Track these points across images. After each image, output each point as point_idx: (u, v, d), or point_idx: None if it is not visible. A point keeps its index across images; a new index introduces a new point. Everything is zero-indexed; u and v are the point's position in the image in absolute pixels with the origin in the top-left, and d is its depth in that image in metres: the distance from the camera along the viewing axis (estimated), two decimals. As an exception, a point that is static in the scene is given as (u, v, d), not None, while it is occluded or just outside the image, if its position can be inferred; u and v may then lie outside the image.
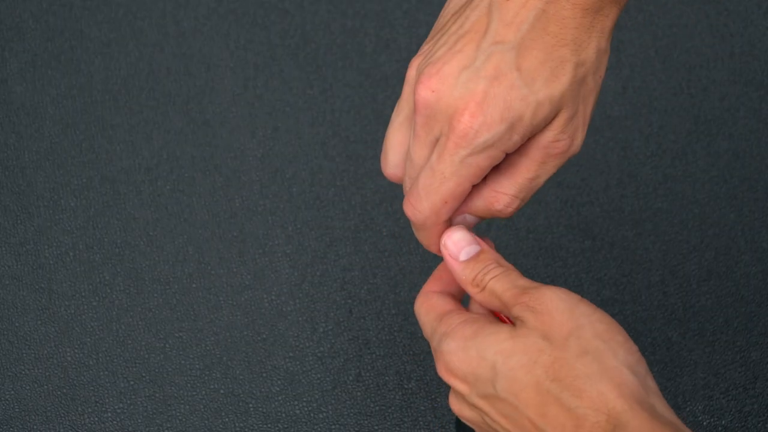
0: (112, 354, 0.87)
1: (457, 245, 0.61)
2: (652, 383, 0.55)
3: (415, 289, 0.88)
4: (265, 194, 0.92)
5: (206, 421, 0.84)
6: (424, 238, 0.62)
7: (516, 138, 0.57)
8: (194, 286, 0.89)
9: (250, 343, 0.87)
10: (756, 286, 0.89)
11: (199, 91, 0.96)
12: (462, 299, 0.64)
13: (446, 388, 0.85)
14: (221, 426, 0.84)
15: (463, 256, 0.61)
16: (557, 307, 0.56)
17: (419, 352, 0.86)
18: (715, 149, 0.93)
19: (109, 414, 0.85)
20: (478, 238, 0.61)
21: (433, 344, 0.61)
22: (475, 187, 0.60)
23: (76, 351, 0.87)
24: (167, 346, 0.87)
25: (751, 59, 0.97)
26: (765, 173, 0.92)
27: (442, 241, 0.61)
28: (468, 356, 0.58)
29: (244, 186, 0.92)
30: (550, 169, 0.59)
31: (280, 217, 0.91)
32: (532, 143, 0.58)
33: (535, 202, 0.92)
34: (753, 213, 0.91)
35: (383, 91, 0.96)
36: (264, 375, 0.86)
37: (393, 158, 0.62)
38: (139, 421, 0.84)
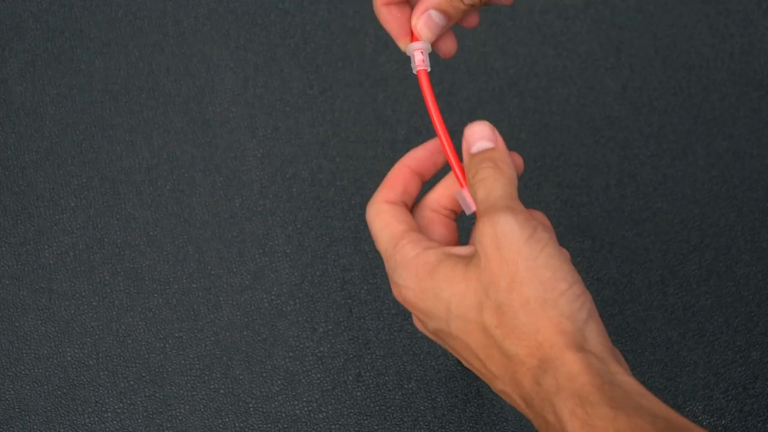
0: (112, 354, 0.87)
1: (473, 136, 0.62)
2: (593, 325, 0.56)
3: (415, 289, 0.88)
4: (265, 194, 0.92)
5: (206, 421, 0.84)
6: (385, 23, 0.63)
7: None
8: (194, 285, 0.89)
9: (250, 343, 0.87)
10: (756, 286, 0.89)
11: (199, 91, 0.96)
12: (412, 206, 0.65)
13: (446, 389, 0.85)
14: (221, 426, 0.84)
15: (474, 149, 0.62)
16: (507, 245, 0.56)
17: (419, 352, 0.86)
18: (715, 149, 0.93)
19: (109, 414, 0.85)
20: (496, 135, 0.62)
21: (387, 268, 0.62)
22: None
23: (76, 351, 0.87)
24: (167, 345, 0.87)
25: (751, 59, 0.97)
26: (765, 173, 0.92)
27: (465, 131, 0.62)
28: (424, 294, 0.59)
29: (244, 186, 0.92)
30: None
31: (280, 216, 0.91)
32: None
33: (535, 202, 0.92)
34: (753, 213, 0.91)
35: (383, 91, 0.96)
36: (264, 375, 0.86)
37: None
38: (139, 420, 0.84)
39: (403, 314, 0.88)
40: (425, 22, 0.63)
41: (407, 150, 0.93)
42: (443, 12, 0.62)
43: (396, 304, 0.88)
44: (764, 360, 0.86)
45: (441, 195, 0.64)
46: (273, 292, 0.89)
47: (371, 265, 0.89)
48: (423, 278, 0.59)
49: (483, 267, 0.57)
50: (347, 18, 0.98)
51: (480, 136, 0.61)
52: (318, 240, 0.90)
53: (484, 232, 0.57)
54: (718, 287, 0.88)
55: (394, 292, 0.62)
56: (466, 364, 0.60)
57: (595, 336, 0.56)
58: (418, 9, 0.63)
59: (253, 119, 0.95)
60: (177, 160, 0.93)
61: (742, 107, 0.95)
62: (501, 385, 0.57)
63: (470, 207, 0.63)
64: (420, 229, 0.63)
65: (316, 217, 0.91)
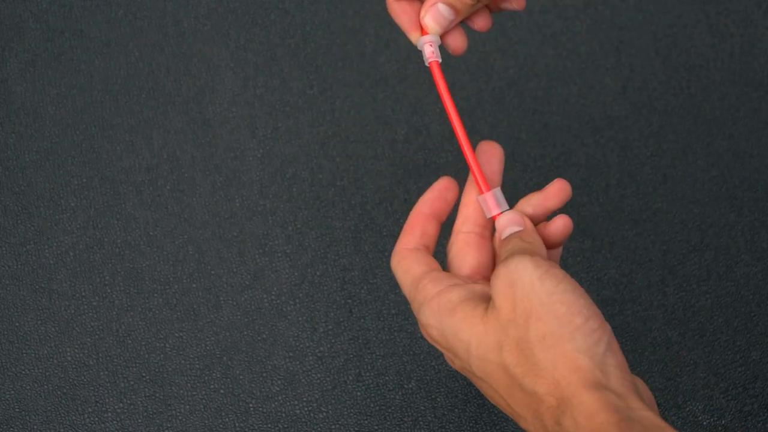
0: (112, 354, 0.87)
1: (503, 225, 0.63)
2: (611, 359, 0.56)
3: (415, 289, 0.88)
4: (265, 194, 0.92)
5: (206, 421, 0.84)
6: (397, 17, 0.64)
7: None
8: (194, 285, 0.89)
9: (251, 343, 0.87)
10: (756, 286, 0.89)
11: (199, 91, 0.96)
12: (434, 251, 0.66)
13: (446, 389, 0.85)
14: (221, 426, 0.84)
15: (504, 235, 0.63)
16: (520, 283, 0.57)
17: (419, 352, 0.86)
18: (715, 149, 0.93)
19: (110, 414, 0.85)
20: (526, 221, 0.63)
21: (413, 308, 0.63)
22: None
23: (76, 351, 0.87)
24: (167, 345, 0.87)
25: (751, 59, 0.97)
26: (765, 173, 0.92)
27: (496, 222, 0.64)
28: (445, 333, 0.60)
29: (244, 186, 0.92)
30: None
31: (280, 216, 0.91)
32: None
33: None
34: (753, 213, 0.91)
35: (383, 91, 0.96)
36: (264, 375, 0.86)
37: None
38: (139, 420, 0.84)
39: (403, 314, 0.88)
40: (433, 14, 0.63)
41: (407, 150, 0.94)
42: (451, 6, 0.63)
43: (396, 304, 0.88)
44: (764, 360, 0.86)
45: (467, 209, 0.66)
46: (273, 292, 0.89)
47: (371, 265, 0.89)
48: (444, 316, 0.60)
49: (500, 307, 0.57)
50: (347, 18, 0.98)
51: (509, 222, 0.62)
52: (318, 240, 0.90)
53: (497, 274, 0.58)
54: (718, 287, 0.88)
55: (423, 332, 0.63)
56: (494, 402, 0.60)
57: (614, 370, 0.56)
58: (427, 2, 0.63)
59: (253, 119, 0.95)
60: (177, 160, 0.93)
61: (742, 107, 0.95)
62: (525, 424, 0.57)
63: (490, 210, 0.64)
64: (451, 261, 0.65)
65: (316, 217, 0.91)
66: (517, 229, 0.62)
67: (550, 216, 0.65)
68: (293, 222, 0.91)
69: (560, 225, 0.63)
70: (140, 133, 0.94)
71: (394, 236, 0.90)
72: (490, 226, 0.65)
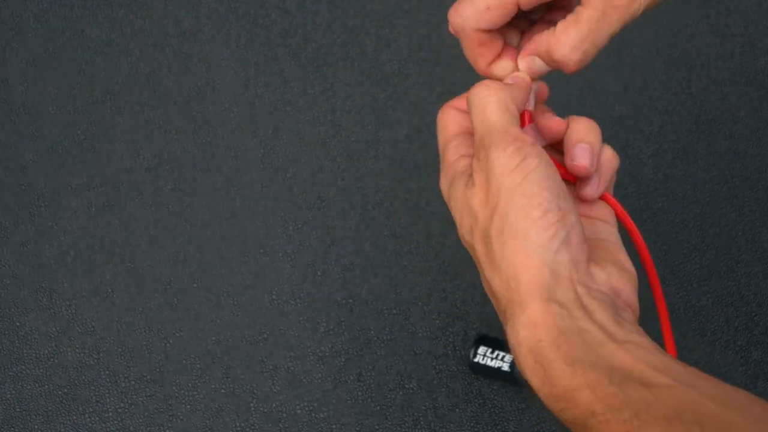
0: (113, 353, 0.87)
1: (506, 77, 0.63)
2: (564, 255, 0.54)
3: (416, 288, 0.88)
4: (265, 194, 0.92)
5: (207, 421, 0.84)
6: (468, 49, 0.63)
7: None
8: (195, 285, 0.89)
9: (251, 342, 0.87)
10: (757, 286, 0.89)
11: (200, 90, 0.96)
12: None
13: (447, 388, 0.85)
14: (222, 425, 0.84)
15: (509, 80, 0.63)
16: (494, 179, 0.56)
17: (420, 352, 0.86)
18: (716, 149, 0.93)
19: (110, 413, 0.85)
20: (527, 75, 0.62)
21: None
22: (544, 33, 0.61)
23: (77, 350, 0.87)
24: (168, 345, 0.87)
25: (751, 59, 0.97)
26: (765, 173, 0.92)
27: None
28: (449, 197, 0.60)
29: (245, 185, 0.92)
30: (613, 23, 0.61)
31: (281, 216, 0.91)
32: None
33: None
34: (753, 213, 0.91)
35: (384, 90, 0.96)
36: (265, 374, 0.86)
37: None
38: (140, 420, 0.84)
39: (404, 314, 0.88)
40: (527, 63, 0.63)
41: (408, 150, 0.94)
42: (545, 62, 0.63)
43: (397, 304, 0.88)
44: (765, 360, 0.86)
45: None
46: (274, 292, 0.89)
47: (372, 264, 0.89)
48: (447, 186, 0.60)
49: (474, 194, 0.57)
50: (348, 17, 0.98)
51: (511, 78, 0.63)
52: (319, 240, 0.90)
53: (478, 162, 0.57)
54: (719, 287, 0.88)
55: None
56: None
57: (565, 268, 0.54)
58: (525, 50, 0.63)
59: (254, 119, 0.95)
60: (178, 159, 0.93)
61: (742, 107, 0.95)
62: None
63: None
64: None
65: (317, 216, 0.91)
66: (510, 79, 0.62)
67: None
68: (294, 222, 0.91)
69: (607, 156, 0.63)
70: (141, 132, 0.94)
71: (395, 236, 0.90)
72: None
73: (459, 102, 0.64)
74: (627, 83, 0.96)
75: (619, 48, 0.97)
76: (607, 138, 0.94)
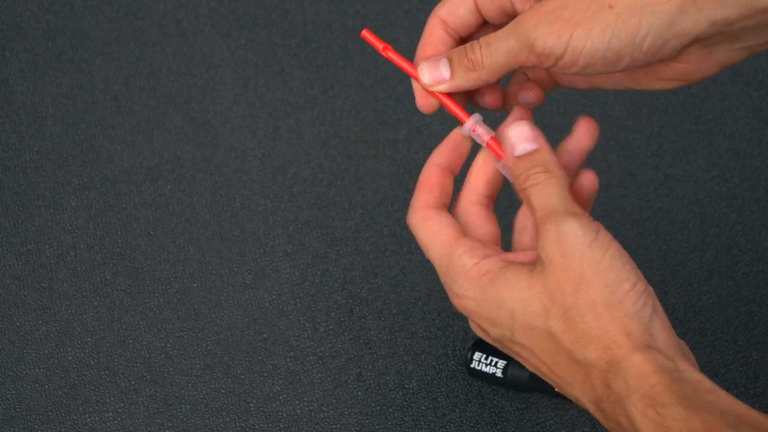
0: (113, 353, 0.87)
1: (517, 138, 0.61)
2: (658, 322, 0.56)
3: (416, 288, 0.88)
4: (266, 194, 0.92)
5: (207, 421, 0.84)
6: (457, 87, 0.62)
7: None
8: (195, 285, 0.89)
9: (251, 342, 0.87)
10: (757, 286, 0.89)
11: (200, 90, 0.96)
12: (449, 208, 0.64)
13: (447, 389, 0.85)
14: (222, 425, 0.84)
15: (518, 151, 0.61)
16: (571, 251, 0.56)
17: (420, 352, 0.86)
18: (716, 149, 0.93)
19: (110, 414, 0.85)
20: (540, 136, 0.61)
21: (444, 279, 0.61)
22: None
23: (77, 350, 0.87)
24: (168, 345, 0.87)
25: (751, 59, 0.97)
26: (765, 173, 0.92)
27: (504, 133, 0.61)
28: (486, 303, 0.59)
29: (245, 185, 0.92)
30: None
31: (281, 216, 0.91)
32: None
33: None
34: (753, 213, 0.91)
35: (384, 90, 0.96)
36: (265, 374, 0.86)
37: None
38: (140, 420, 0.84)
39: (404, 314, 0.88)
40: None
41: (409, 149, 0.93)
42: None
43: (397, 304, 0.88)
44: (765, 360, 0.86)
45: (477, 180, 0.63)
46: (274, 292, 0.89)
47: (372, 264, 0.89)
48: (485, 288, 0.59)
49: (548, 274, 0.56)
50: (348, 17, 0.98)
51: (523, 138, 0.61)
52: (319, 240, 0.90)
53: (548, 239, 0.57)
54: (719, 287, 0.88)
55: (455, 303, 0.61)
56: (532, 369, 0.60)
57: (661, 332, 0.56)
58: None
59: (254, 119, 0.95)
60: (178, 159, 0.93)
61: (742, 107, 0.95)
62: (570, 389, 0.57)
63: (483, 135, 0.62)
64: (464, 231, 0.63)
65: (317, 216, 0.91)
66: (532, 146, 0.60)
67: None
68: (294, 222, 0.91)
69: (587, 182, 0.62)
70: (141, 132, 0.94)
71: (396, 236, 0.90)
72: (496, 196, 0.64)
73: (427, 199, 0.62)
74: (627, 83, 0.96)
75: (619, 48, 0.97)
76: (606, 138, 0.94)
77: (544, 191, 0.58)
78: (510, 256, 0.60)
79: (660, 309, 0.57)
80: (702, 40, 0.57)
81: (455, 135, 0.64)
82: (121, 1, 0.99)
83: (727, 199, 0.91)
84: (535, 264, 0.58)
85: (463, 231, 0.61)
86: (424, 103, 0.64)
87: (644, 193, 0.92)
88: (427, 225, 0.62)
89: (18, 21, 0.98)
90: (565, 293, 0.56)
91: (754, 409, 0.53)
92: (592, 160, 0.93)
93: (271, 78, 0.96)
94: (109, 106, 0.95)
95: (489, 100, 0.64)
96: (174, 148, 0.94)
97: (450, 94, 0.63)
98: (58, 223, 0.91)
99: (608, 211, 0.91)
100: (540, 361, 0.58)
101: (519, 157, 0.60)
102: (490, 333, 0.60)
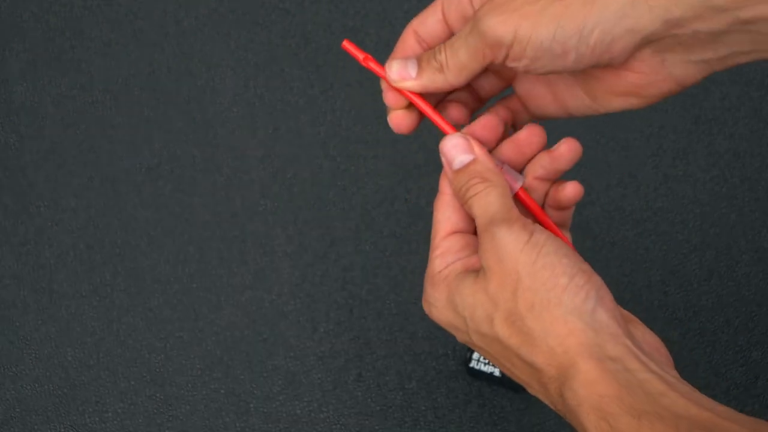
0: (113, 354, 0.87)
1: (452, 151, 0.61)
2: (602, 314, 0.55)
3: (416, 288, 0.88)
4: (265, 194, 0.92)
5: (207, 421, 0.85)
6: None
7: None
8: (195, 286, 0.89)
9: (251, 343, 0.87)
10: (756, 286, 0.89)
11: (200, 90, 0.96)
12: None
13: (447, 389, 0.85)
14: (222, 426, 0.84)
15: (456, 165, 0.61)
16: (506, 256, 0.56)
17: (420, 352, 0.86)
18: (716, 149, 0.93)
19: (110, 414, 0.85)
20: (477, 146, 0.61)
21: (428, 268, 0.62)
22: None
23: (76, 351, 0.87)
24: (168, 346, 0.87)
25: (751, 59, 0.97)
26: (765, 173, 0.92)
27: (440, 147, 0.62)
28: (446, 310, 0.60)
29: (244, 186, 0.92)
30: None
31: (281, 217, 0.91)
32: None
33: (536, 201, 0.92)
34: (753, 213, 0.91)
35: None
36: (265, 375, 0.86)
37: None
38: (140, 420, 0.84)
39: (404, 314, 0.88)
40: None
41: (408, 150, 0.94)
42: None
43: (397, 304, 0.88)
44: (765, 360, 0.86)
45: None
46: (274, 292, 0.89)
47: (372, 265, 0.89)
48: (445, 293, 0.60)
49: (489, 280, 0.57)
50: (348, 17, 0.98)
51: (458, 150, 0.61)
52: (319, 240, 0.90)
53: (485, 247, 0.57)
54: (719, 287, 0.88)
55: (425, 308, 0.62)
56: (504, 371, 0.60)
57: (605, 326, 0.55)
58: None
59: (254, 119, 0.95)
60: (178, 160, 0.93)
61: (742, 107, 0.95)
62: (533, 391, 0.57)
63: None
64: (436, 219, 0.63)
65: (316, 217, 0.91)
66: (468, 158, 0.60)
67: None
68: (294, 222, 0.91)
69: (570, 192, 0.62)
70: (141, 133, 0.94)
71: (395, 236, 0.90)
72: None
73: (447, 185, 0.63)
74: (627, 83, 0.96)
75: (619, 48, 0.97)
76: (607, 138, 0.94)
77: (482, 200, 0.59)
78: (471, 262, 0.61)
79: (607, 298, 0.56)
80: (653, 43, 0.56)
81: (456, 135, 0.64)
82: (120, 2, 0.99)
83: (727, 199, 0.91)
84: (478, 272, 0.58)
85: (464, 225, 0.62)
86: (392, 100, 0.64)
87: (644, 193, 0.92)
88: (439, 208, 0.63)
89: (18, 21, 0.98)
90: (505, 298, 0.56)
91: (710, 410, 0.52)
92: (592, 160, 0.93)
93: (270, 78, 0.96)
94: (108, 106, 0.95)
95: (454, 113, 0.65)
96: (174, 148, 0.94)
97: (426, 99, 0.64)
98: (57, 224, 0.91)
99: (608, 211, 0.91)
100: (500, 364, 0.59)
101: (456, 171, 0.61)
102: (458, 339, 0.61)
